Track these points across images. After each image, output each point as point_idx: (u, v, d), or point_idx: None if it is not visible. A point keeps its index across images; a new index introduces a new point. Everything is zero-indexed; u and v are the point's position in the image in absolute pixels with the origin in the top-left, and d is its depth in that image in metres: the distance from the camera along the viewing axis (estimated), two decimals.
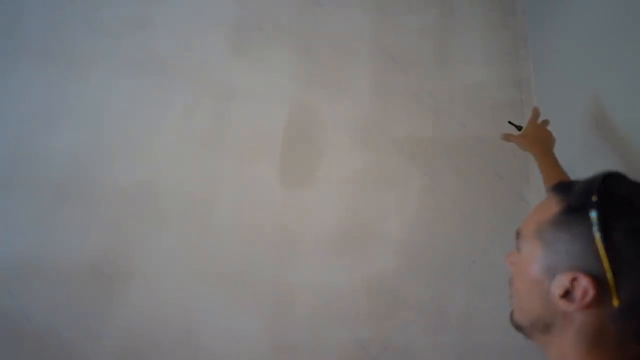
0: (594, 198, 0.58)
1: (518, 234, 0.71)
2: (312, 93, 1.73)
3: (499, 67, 1.78)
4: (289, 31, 1.78)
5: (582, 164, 1.37)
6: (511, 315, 0.71)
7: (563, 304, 0.60)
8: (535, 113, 1.30)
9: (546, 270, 0.62)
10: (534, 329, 0.65)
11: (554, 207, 0.64)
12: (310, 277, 1.59)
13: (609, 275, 0.56)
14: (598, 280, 0.57)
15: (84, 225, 1.58)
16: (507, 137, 1.31)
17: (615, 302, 0.56)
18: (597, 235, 0.56)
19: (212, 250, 1.59)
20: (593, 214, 0.57)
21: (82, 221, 1.58)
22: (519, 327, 0.69)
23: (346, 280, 1.59)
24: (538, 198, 1.67)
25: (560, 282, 0.60)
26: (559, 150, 1.22)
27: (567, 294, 0.59)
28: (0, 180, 1.60)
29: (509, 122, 1.40)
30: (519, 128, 1.34)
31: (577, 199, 0.61)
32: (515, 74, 1.77)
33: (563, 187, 0.66)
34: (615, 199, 0.58)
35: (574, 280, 0.59)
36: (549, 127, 1.27)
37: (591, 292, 0.57)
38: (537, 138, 1.24)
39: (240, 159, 1.65)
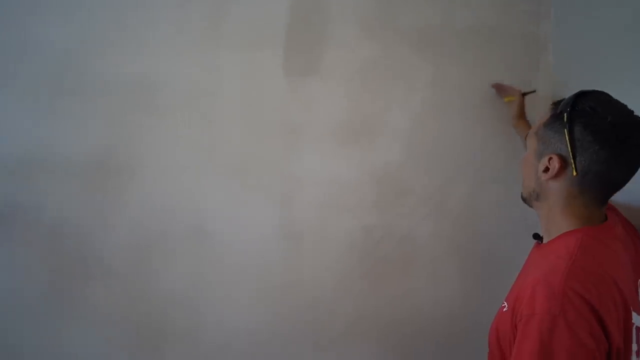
0: (568, 107, 0.91)
1: (525, 137, 1.07)
2: None
3: None
4: None
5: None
6: (521, 194, 1.04)
7: (543, 177, 0.94)
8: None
9: (538, 156, 0.96)
10: (531, 198, 1.00)
11: (547, 114, 0.97)
12: (316, 167, 1.61)
13: (571, 153, 0.89)
14: (564, 159, 0.91)
15: (86, 118, 1.55)
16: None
17: (574, 172, 0.89)
18: (565, 129, 0.89)
19: (217, 141, 1.59)
20: (565, 116, 0.90)
21: (82, 114, 1.55)
22: (524, 200, 1.03)
23: (351, 170, 1.62)
24: (547, 87, 1.65)
25: (543, 162, 0.94)
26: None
27: (546, 170, 0.93)
28: None
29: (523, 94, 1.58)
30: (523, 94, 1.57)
31: (560, 108, 0.93)
32: None
33: (557, 102, 0.96)
34: (582, 108, 0.90)
35: (550, 159, 0.93)
36: None
37: (557, 166, 0.91)
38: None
39: (242, 48, 1.59)
